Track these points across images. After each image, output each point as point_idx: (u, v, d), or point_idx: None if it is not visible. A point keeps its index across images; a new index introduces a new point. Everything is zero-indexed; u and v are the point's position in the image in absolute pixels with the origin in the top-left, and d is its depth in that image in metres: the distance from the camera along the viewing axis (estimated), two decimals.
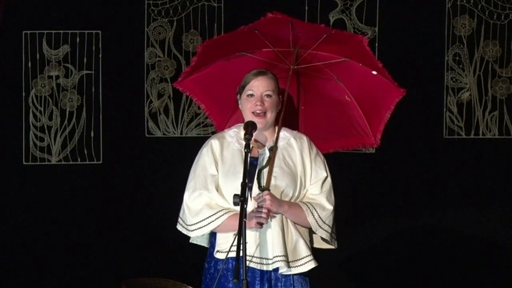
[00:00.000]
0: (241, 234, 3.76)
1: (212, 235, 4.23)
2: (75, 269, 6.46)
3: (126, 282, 4.92)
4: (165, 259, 6.38)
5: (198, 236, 4.26)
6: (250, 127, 4.13)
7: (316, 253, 4.27)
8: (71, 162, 6.51)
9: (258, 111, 4.21)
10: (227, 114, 4.57)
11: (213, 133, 4.59)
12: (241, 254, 3.75)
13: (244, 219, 3.81)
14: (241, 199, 3.82)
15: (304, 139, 4.31)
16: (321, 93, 4.58)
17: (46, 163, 6.49)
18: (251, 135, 4.11)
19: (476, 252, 6.61)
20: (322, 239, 4.25)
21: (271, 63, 4.47)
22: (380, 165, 6.53)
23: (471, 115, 6.62)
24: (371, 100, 4.51)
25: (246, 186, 3.86)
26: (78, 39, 6.48)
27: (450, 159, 6.61)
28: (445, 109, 6.60)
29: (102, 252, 6.47)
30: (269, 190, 4.07)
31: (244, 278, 3.78)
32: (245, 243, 3.81)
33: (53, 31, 6.46)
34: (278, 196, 4.12)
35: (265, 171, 4.15)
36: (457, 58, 6.60)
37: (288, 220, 4.14)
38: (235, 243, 3.77)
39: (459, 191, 6.60)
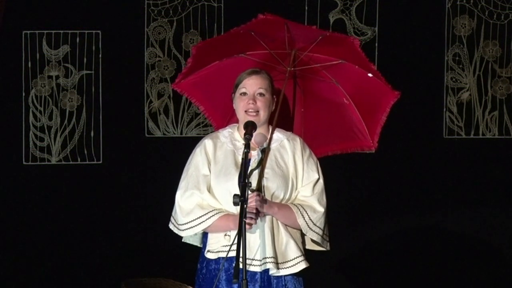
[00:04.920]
0: (241, 234, 3.77)
1: (204, 235, 4.23)
2: (75, 269, 6.46)
3: (126, 282, 4.93)
4: (165, 259, 6.38)
5: (190, 236, 4.26)
6: (250, 127, 4.13)
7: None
8: (71, 162, 6.51)
9: (250, 110, 4.20)
10: (227, 116, 4.55)
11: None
12: (241, 254, 3.76)
13: (244, 219, 3.82)
14: (241, 199, 3.83)
15: (297, 140, 4.29)
16: (320, 95, 4.57)
17: (46, 163, 6.49)
18: (251, 135, 4.11)
19: (475, 252, 6.61)
20: (313, 241, 4.24)
21: (268, 65, 4.46)
22: (380, 165, 6.53)
23: (471, 115, 6.62)
24: (368, 103, 4.50)
25: (246, 186, 3.88)
26: (78, 39, 6.48)
27: (450, 159, 6.61)
28: (445, 109, 6.60)
29: (102, 252, 6.47)
30: (260, 191, 4.07)
31: (244, 278, 3.79)
32: (245, 243, 3.82)
33: (53, 31, 6.46)
34: (269, 198, 4.11)
35: (257, 172, 4.13)
36: (457, 58, 6.60)
37: (279, 222, 4.14)
38: (235, 242, 3.78)
39: (459, 191, 6.60)
